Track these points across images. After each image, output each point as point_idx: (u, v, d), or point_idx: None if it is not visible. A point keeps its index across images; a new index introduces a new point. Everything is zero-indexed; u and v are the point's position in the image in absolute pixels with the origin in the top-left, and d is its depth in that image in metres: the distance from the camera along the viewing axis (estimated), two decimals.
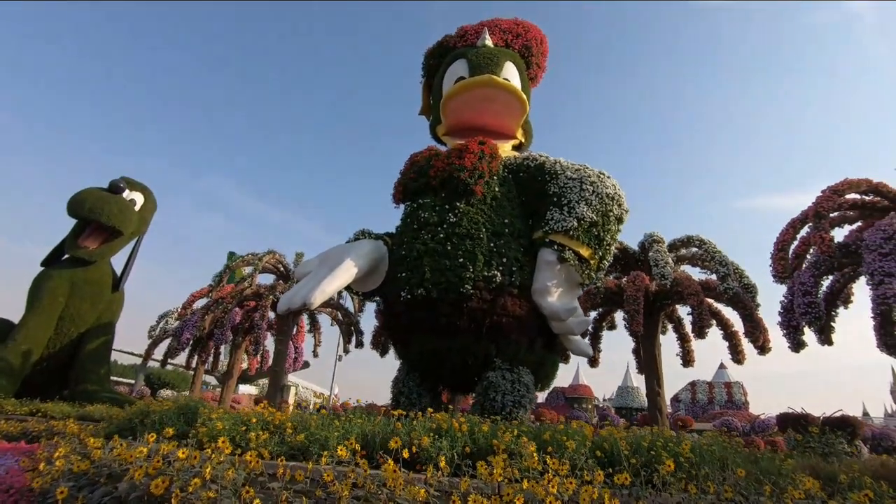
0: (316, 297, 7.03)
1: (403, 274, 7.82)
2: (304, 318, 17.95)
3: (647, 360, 12.26)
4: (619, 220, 7.91)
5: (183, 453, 3.35)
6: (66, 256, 18.73)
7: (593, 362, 14.40)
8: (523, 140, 9.91)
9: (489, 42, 9.80)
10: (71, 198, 17.93)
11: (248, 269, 15.92)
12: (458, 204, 7.90)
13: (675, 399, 36.66)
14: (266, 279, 18.90)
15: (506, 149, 9.14)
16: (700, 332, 10.35)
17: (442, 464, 3.18)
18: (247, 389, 41.48)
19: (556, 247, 7.60)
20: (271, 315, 19.75)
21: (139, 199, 19.84)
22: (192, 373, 36.97)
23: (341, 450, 3.04)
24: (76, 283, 18.28)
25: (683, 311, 14.02)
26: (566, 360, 12.37)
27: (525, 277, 7.73)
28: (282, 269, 15.46)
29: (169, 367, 32.24)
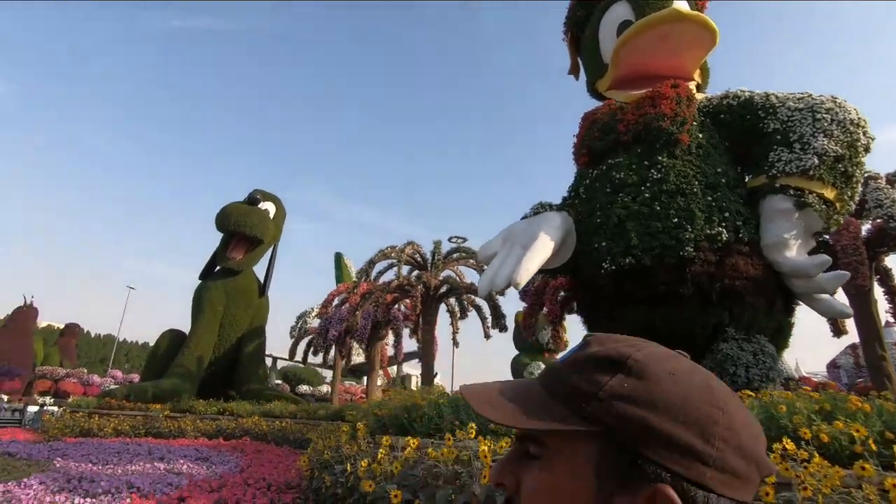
0: (521, 275, 6.54)
1: (604, 243, 7.09)
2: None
3: (865, 320, 10.44)
4: (867, 149, 6.54)
5: None
6: (219, 268, 20.45)
7: None
8: (700, 81, 8.69)
9: None
10: (218, 213, 19.45)
11: (384, 263, 16.07)
12: (659, 158, 6.98)
13: (833, 365, 32.42)
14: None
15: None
16: None
17: None
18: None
19: (790, 192, 6.45)
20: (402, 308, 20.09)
21: (271, 208, 21.10)
22: (319, 369, 39.47)
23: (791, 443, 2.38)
24: (230, 292, 19.84)
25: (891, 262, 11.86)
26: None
27: (752, 232, 6.66)
28: (419, 259, 15.46)
29: (300, 365, 34.57)
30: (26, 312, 38.10)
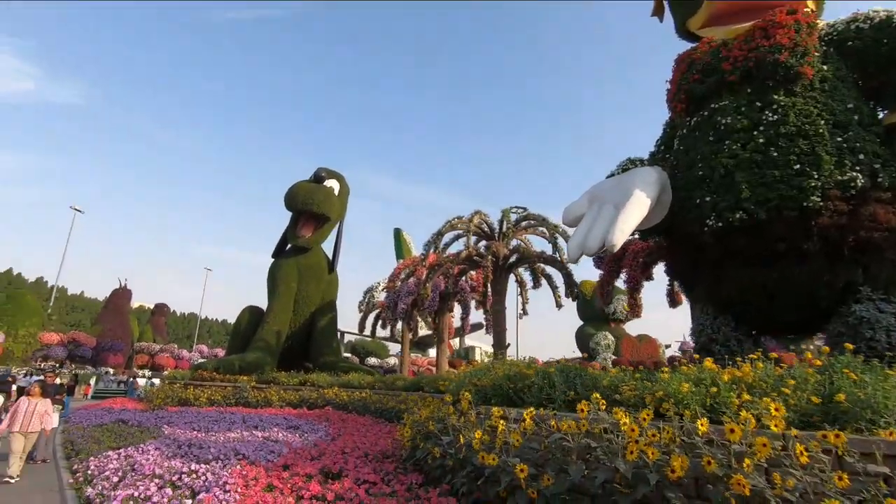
0: (617, 236, 6.04)
1: (707, 198, 6.39)
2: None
3: None
4: None
5: (703, 425, 2.54)
6: (290, 246, 21.15)
7: None
8: (814, 7, 7.54)
9: None
10: (286, 193, 19.95)
11: (450, 234, 15.81)
12: (775, 97, 6.14)
13: None
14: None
15: None
16: None
17: None
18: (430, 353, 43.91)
19: None
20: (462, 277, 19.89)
21: (335, 185, 21.38)
22: (385, 342, 40.59)
23: None
24: (301, 269, 20.47)
25: None
26: None
27: (893, 176, 5.73)
28: (486, 229, 15.09)
29: (367, 338, 35.66)
30: (122, 294, 41.75)
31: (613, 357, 29.50)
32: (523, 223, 15.06)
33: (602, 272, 13.82)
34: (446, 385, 6.25)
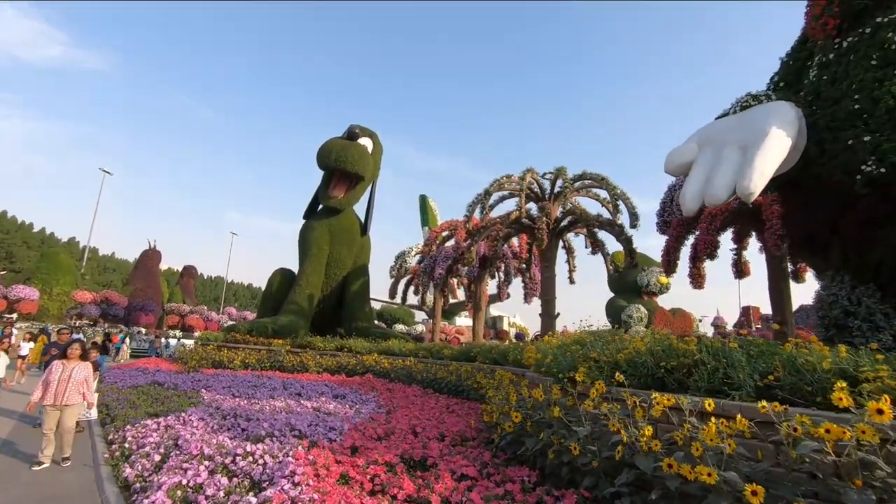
0: (755, 180, 4.88)
1: (865, 137, 5.13)
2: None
3: None
4: None
5: None
6: (321, 207, 20.23)
7: None
8: None
9: None
10: (319, 150, 18.84)
11: (497, 195, 14.64)
12: None
13: None
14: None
15: None
16: None
17: None
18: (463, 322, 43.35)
19: None
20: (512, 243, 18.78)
21: (368, 144, 20.19)
22: (412, 310, 40.02)
23: None
24: (333, 231, 19.58)
25: None
26: None
27: None
28: (537, 189, 13.83)
29: (393, 305, 35.11)
30: (152, 255, 41.93)
31: (645, 330, 28.32)
32: (577, 184, 13.72)
33: (667, 237, 12.55)
34: (539, 358, 5.25)
